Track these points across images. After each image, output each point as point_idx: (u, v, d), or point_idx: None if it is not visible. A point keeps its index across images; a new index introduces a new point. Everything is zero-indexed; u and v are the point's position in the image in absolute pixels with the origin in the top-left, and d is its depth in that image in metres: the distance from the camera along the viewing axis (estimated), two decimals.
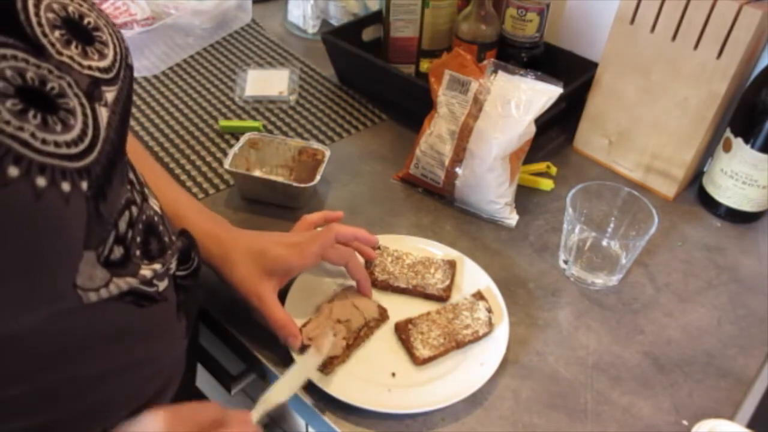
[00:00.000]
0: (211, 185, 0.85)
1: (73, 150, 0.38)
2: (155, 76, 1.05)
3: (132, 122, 0.94)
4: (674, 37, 0.79)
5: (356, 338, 0.64)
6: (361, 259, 0.70)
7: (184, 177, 0.86)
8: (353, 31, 1.05)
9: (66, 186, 0.37)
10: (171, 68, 1.07)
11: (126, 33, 1.01)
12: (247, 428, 0.53)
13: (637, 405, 0.63)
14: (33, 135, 0.35)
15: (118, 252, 0.45)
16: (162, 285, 0.51)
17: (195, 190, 0.84)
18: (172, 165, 0.88)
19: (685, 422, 0.62)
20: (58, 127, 0.37)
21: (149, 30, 1.04)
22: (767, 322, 0.72)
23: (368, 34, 1.08)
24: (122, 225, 0.45)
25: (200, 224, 0.65)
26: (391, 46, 1.02)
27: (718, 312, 0.73)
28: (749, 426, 0.61)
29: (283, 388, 0.57)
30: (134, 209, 0.47)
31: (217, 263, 0.64)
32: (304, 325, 0.64)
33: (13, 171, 0.34)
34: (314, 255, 0.64)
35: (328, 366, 0.61)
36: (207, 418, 0.51)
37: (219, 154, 0.90)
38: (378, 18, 1.05)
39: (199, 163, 0.88)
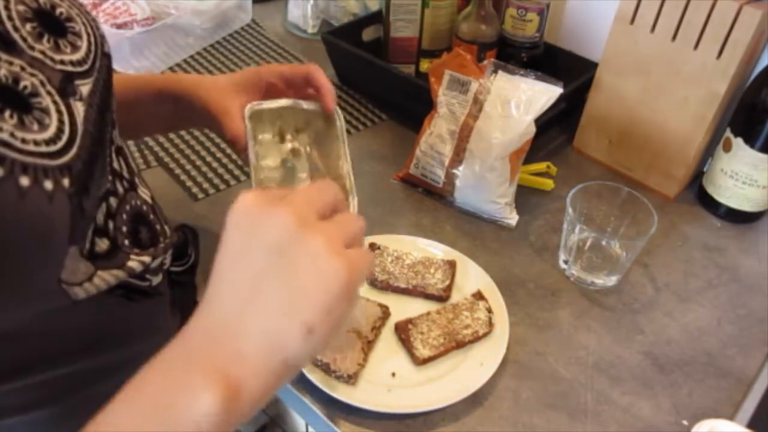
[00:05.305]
0: (211, 185, 0.85)
1: (52, 148, 0.37)
2: None
3: None
4: (674, 37, 0.79)
5: (369, 342, 0.64)
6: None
7: (184, 177, 0.86)
8: (353, 31, 1.05)
9: (48, 184, 0.36)
10: (171, 68, 1.07)
11: (126, 33, 1.01)
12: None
13: (637, 405, 0.63)
14: (12, 135, 0.35)
15: (103, 244, 0.44)
16: (155, 280, 0.51)
17: (195, 189, 0.84)
18: (173, 165, 0.88)
19: (685, 422, 0.62)
20: (35, 126, 0.37)
21: (149, 30, 1.04)
22: (767, 322, 0.72)
23: (368, 34, 1.08)
24: (100, 217, 0.44)
25: (173, 80, 0.64)
26: (391, 46, 1.02)
27: (718, 312, 0.73)
28: (749, 426, 0.61)
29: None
30: (113, 200, 0.46)
31: (191, 97, 0.62)
32: None
33: None
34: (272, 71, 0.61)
35: (353, 377, 0.61)
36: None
37: (219, 154, 0.90)
38: (378, 18, 1.05)
39: (199, 163, 0.88)
